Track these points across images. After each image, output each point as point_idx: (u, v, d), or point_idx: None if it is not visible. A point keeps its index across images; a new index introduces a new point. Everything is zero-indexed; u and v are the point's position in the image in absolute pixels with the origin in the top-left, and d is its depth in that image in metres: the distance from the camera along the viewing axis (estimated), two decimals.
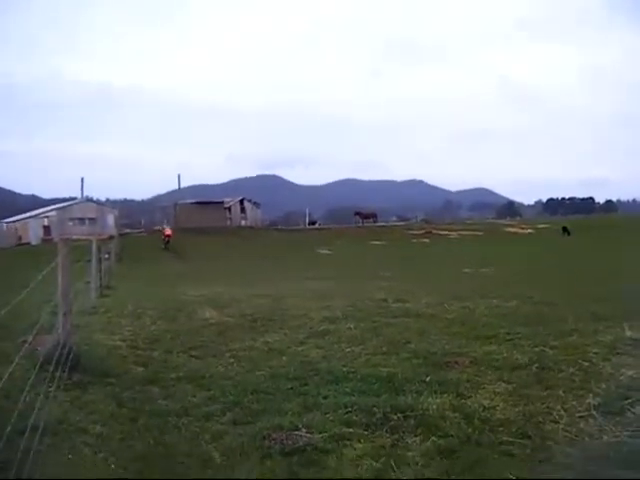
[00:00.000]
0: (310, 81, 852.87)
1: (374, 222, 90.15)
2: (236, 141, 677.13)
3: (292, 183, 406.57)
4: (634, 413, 6.01)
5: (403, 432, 5.89)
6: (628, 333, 9.61)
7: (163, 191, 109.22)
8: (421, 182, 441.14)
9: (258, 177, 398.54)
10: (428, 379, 7.61)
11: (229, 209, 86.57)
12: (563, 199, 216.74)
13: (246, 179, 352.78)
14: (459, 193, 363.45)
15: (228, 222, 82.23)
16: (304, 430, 5.99)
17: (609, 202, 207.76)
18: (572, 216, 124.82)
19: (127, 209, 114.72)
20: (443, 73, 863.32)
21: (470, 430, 5.85)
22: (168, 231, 57.11)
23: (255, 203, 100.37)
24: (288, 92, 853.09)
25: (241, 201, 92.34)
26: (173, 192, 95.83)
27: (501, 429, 5.86)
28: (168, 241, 55.12)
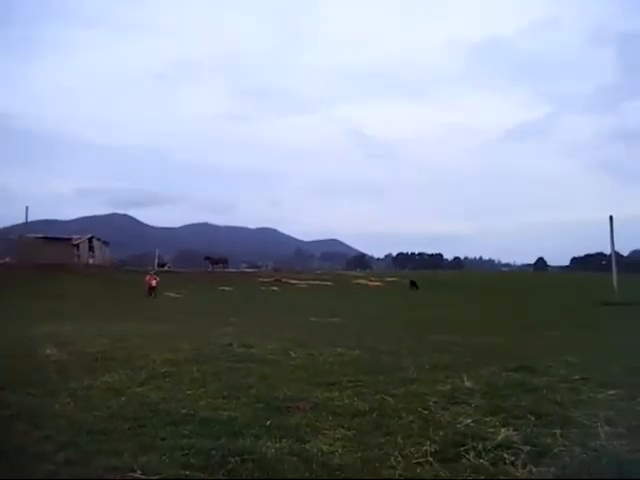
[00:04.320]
0: (170, 122, 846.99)
1: (224, 267, 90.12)
2: (89, 178, 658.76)
3: (145, 224, 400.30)
4: (469, 460, 6.18)
5: (240, 475, 5.80)
6: (467, 383, 9.92)
7: (9, 224, 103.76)
8: (274, 230, 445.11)
9: (110, 215, 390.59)
10: (268, 423, 7.53)
11: (77, 246, 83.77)
12: (413, 254, 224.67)
13: (98, 217, 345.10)
14: (311, 243, 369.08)
15: (76, 259, 79.67)
16: (139, 472, 5.78)
17: (457, 259, 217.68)
18: (421, 271, 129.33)
19: None
20: (303, 125, 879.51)
21: (307, 474, 5.83)
22: (154, 282, 52.45)
23: (104, 242, 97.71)
24: (147, 132, 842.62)
25: (90, 239, 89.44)
26: (20, 225, 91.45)
27: (338, 473, 5.88)
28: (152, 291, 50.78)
